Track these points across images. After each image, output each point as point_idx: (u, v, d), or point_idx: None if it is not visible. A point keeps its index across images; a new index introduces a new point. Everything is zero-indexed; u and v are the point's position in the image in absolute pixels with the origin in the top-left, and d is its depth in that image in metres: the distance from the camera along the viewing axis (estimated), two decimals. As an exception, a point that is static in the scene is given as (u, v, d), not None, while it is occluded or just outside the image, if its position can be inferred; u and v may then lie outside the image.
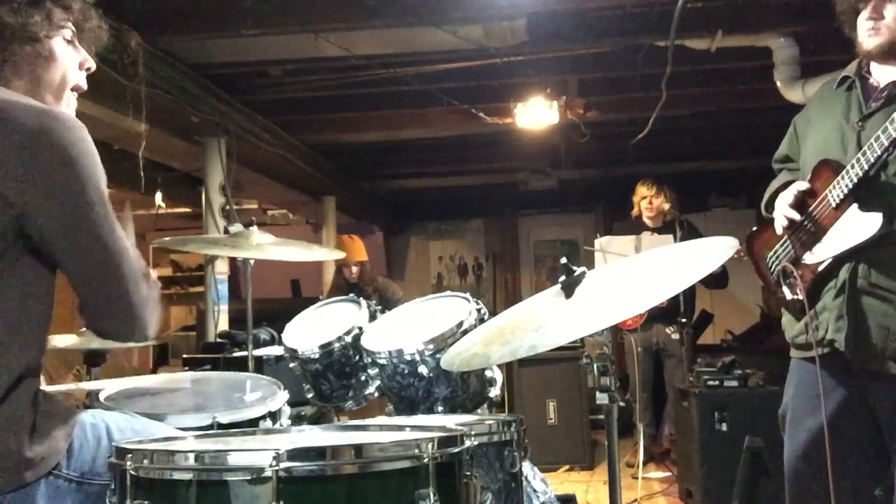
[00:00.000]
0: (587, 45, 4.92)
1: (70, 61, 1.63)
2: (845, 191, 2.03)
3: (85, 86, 1.69)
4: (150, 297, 1.57)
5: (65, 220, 1.45)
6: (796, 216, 2.15)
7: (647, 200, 5.50)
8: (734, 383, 4.06)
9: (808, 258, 2.14)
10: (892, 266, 2.00)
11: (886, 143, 1.93)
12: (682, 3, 3.91)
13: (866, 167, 1.98)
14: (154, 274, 1.61)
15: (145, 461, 1.31)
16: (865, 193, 2.02)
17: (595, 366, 1.68)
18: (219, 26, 4.38)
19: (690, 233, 5.13)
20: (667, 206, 5.49)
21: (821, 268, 2.11)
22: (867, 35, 2.07)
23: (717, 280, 5.02)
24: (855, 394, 2.11)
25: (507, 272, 10.04)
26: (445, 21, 4.33)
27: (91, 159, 1.48)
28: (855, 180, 2.01)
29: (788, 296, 2.19)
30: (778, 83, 4.87)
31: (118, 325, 1.54)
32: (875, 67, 2.14)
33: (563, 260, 1.79)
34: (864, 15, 2.07)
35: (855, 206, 2.03)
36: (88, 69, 1.68)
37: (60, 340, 2.71)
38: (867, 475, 2.13)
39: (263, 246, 3.03)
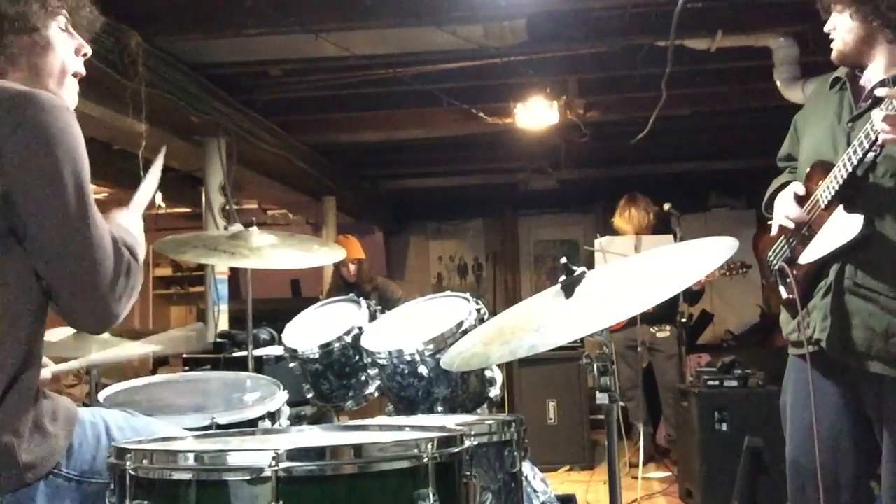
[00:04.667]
0: (587, 45, 4.92)
1: (67, 49, 1.61)
2: (833, 192, 2.07)
3: (84, 71, 1.66)
4: (127, 286, 1.50)
5: (38, 202, 1.41)
6: (794, 215, 2.18)
7: (637, 221, 5.56)
8: (734, 383, 4.05)
9: (802, 258, 2.17)
10: (878, 266, 2.03)
11: (867, 145, 1.97)
12: (682, 3, 3.91)
13: (850, 169, 2.01)
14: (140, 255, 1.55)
15: (145, 461, 1.31)
16: (853, 195, 2.05)
17: (595, 366, 1.68)
18: (219, 26, 4.38)
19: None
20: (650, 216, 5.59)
21: (811, 268, 2.14)
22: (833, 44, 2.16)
23: (693, 294, 5.31)
24: (849, 390, 2.14)
25: (507, 272, 10.04)
26: (445, 21, 4.33)
27: (71, 141, 1.43)
28: (841, 182, 2.04)
29: (784, 295, 2.24)
30: (778, 83, 4.87)
31: (87, 316, 1.48)
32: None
33: (563, 260, 1.79)
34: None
35: (841, 207, 2.06)
36: (85, 55, 1.66)
37: (54, 335, 2.68)
38: (865, 470, 2.15)
39: (263, 249, 3.01)
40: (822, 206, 2.10)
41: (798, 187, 2.19)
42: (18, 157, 1.39)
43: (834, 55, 2.17)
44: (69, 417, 1.53)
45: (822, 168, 2.12)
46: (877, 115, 1.93)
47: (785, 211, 2.20)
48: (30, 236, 1.42)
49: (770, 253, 2.32)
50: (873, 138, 1.94)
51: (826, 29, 2.17)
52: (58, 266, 1.44)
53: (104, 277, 1.45)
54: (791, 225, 2.19)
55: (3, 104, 1.41)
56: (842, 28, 2.11)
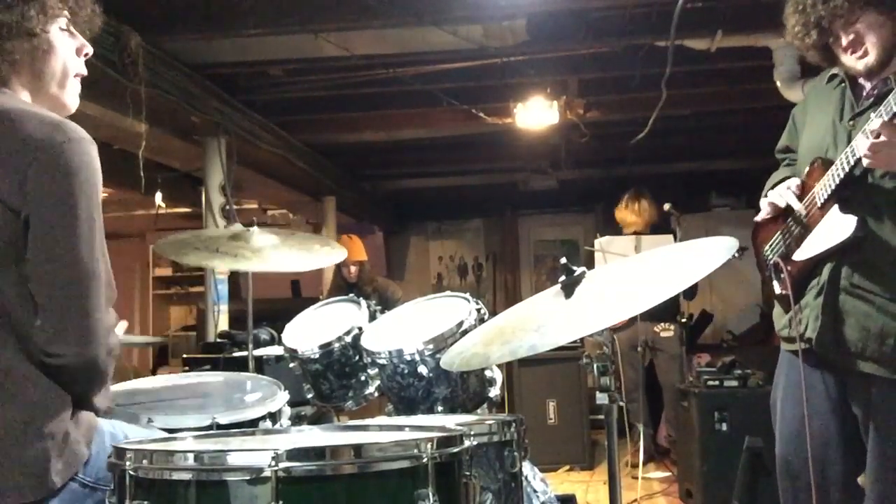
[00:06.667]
0: (587, 45, 4.91)
1: (68, 50, 1.63)
2: (829, 191, 2.07)
3: (85, 71, 1.68)
4: (112, 332, 1.54)
5: (48, 229, 1.44)
6: (790, 199, 2.17)
7: (647, 214, 5.64)
8: (734, 383, 4.06)
9: (796, 255, 2.18)
10: (874, 267, 2.03)
11: (853, 161, 1.97)
12: (682, 3, 3.90)
13: (847, 169, 2.01)
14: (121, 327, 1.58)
15: (144, 461, 1.31)
16: (850, 195, 2.04)
17: (595, 366, 1.68)
18: (219, 26, 4.38)
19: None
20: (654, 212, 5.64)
21: (805, 265, 2.15)
22: (856, 60, 2.04)
23: (688, 289, 5.27)
24: (838, 387, 2.15)
25: (507, 272, 10.04)
26: (445, 21, 4.33)
27: (90, 174, 1.47)
28: (838, 181, 2.04)
29: (777, 290, 2.25)
30: (778, 83, 4.87)
31: (72, 347, 1.46)
32: None
33: (563, 260, 1.79)
34: (842, 46, 2.04)
35: (836, 207, 2.06)
36: (87, 54, 1.68)
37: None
38: (853, 466, 2.15)
39: (263, 250, 3.00)
40: (819, 204, 2.11)
41: (796, 184, 2.19)
42: (38, 183, 1.43)
43: (870, 62, 2.01)
44: (90, 425, 1.55)
45: (823, 165, 2.12)
46: (861, 141, 1.93)
47: (780, 193, 2.20)
48: (34, 257, 1.45)
49: (767, 247, 2.33)
50: (858, 156, 1.95)
51: (849, 48, 2.02)
52: (56, 289, 1.45)
53: (97, 307, 1.48)
54: (782, 203, 2.18)
55: (34, 133, 1.44)
56: (872, 30, 1.98)
